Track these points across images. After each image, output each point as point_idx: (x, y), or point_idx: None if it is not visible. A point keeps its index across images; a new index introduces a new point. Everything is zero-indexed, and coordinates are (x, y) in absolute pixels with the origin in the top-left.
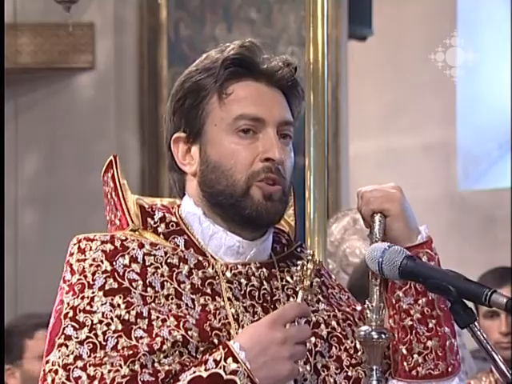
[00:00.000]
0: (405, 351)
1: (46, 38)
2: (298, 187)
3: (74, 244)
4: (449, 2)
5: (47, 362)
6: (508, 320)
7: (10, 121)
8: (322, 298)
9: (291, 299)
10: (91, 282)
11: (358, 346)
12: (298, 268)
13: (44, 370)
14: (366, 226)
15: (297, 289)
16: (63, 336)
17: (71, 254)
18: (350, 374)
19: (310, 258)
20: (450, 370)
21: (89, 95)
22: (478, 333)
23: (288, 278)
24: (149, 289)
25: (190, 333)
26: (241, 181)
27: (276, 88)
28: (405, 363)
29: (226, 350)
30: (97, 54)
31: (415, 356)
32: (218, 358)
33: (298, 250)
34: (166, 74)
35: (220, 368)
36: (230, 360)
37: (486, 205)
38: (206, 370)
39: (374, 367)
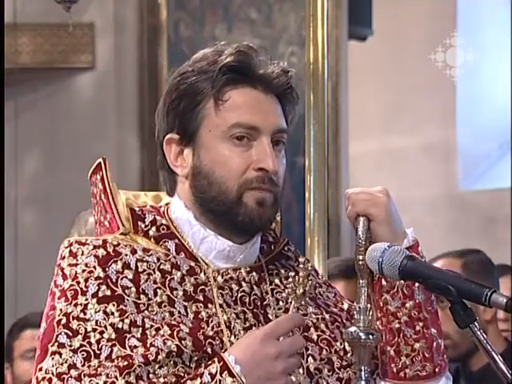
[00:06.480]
0: (392, 353)
1: (45, 38)
2: (298, 187)
3: (66, 247)
4: (449, 1)
5: (40, 369)
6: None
7: (10, 121)
8: (309, 301)
9: (280, 303)
10: (84, 289)
11: (347, 347)
12: (290, 279)
13: (37, 378)
14: (354, 227)
15: (289, 299)
16: (56, 344)
17: (62, 258)
18: (341, 375)
19: (302, 266)
20: (437, 370)
21: (89, 95)
22: (478, 333)
23: (277, 281)
24: (142, 296)
25: (183, 342)
26: (233, 189)
27: (272, 94)
28: (393, 365)
29: (222, 363)
30: (97, 54)
31: (403, 358)
32: (214, 372)
33: (286, 248)
34: (166, 74)
35: (216, 382)
36: (225, 374)
37: (486, 205)
38: (201, 383)
39: (362, 367)
